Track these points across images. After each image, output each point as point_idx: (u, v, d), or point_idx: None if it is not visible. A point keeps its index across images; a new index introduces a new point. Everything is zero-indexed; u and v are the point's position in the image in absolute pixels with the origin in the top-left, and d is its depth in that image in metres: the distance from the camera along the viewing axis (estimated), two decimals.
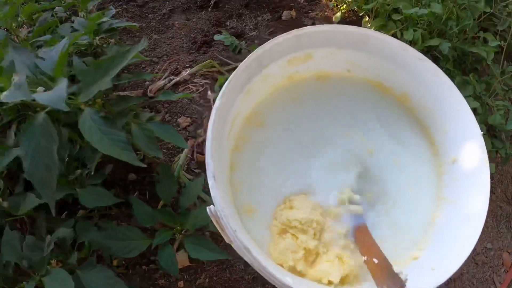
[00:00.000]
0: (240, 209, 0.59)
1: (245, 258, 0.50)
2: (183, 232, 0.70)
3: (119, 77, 0.72)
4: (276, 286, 0.51)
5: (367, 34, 0.66)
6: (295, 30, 0.63)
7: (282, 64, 0.65)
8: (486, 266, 0.89)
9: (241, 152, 0.65)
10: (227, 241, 0.55)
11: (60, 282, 0.56)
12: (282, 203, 0.61)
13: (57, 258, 0.66)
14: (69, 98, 0.61)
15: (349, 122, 0.69)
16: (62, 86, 0.53)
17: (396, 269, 0.52)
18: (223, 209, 0.50)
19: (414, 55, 0.67)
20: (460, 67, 0.95)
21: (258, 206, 0.60)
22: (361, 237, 0.59)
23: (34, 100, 0.55)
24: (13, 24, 0.86)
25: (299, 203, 0.58)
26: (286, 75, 0.68)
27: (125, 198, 0.84)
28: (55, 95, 0.52)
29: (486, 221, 0.90)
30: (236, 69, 0.58)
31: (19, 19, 0.90)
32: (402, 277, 0.51)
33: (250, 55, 0.59)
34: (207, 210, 0.53)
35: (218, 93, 0.65)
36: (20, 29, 0.94)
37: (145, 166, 0.55)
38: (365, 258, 0.55)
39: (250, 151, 0.65)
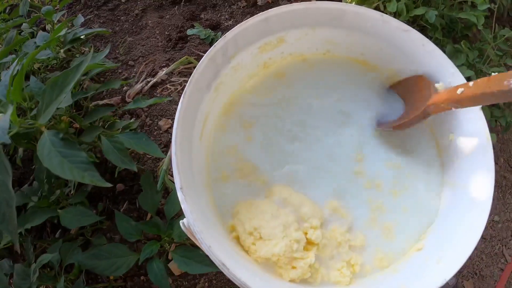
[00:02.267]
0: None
1: (225, 273, 0.43)
2: (173, 241, 0.63)
3: (84, 89, 0.64)
4: None
5: (342, 8, 0.57)
6: (261, 13, 0.54)
7: (252, 51, 0.56)
8: (495, 240, 0.80)
9: (219, 152, 0.57)
10: (206, 252, 0.48)
11: None
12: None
13: (46, 283, 0.61)
14: (30, 123, 0.54)
15: (337, 106, 0.61)
16: (6, 116, 0.46)
17: None
18: (195, 224, 0.42)
19: (397, 26, 0.58)
20: (449, 36, 0.84)
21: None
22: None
23: None
24: None
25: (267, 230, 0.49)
26: (260, 64, 0.60)
27: (115, 209, 0.78)
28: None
29: None
30: (197, 65, 0.50)
31: None
32: None
33: (212, 46, 0.51)
34: (180, 224, 0.46)
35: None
36: None
37: (111, 185, 0.48)
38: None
39: (230, 149, 0.57)
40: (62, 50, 0.67)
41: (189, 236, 0.46)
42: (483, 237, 0.80)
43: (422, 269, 0.50)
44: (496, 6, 0.72)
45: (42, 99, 0.53)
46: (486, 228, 0.80)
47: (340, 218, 0.55)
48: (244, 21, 0.53)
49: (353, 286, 0.52)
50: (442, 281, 0.46)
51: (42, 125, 0.53)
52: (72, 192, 0.67)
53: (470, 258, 0.78)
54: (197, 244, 0.46)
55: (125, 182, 0.78)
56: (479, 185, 0.52)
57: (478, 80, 0.45)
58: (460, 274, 0.78)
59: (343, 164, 0.58)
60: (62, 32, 0.67)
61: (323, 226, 0.54)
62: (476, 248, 0.78)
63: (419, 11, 0.73)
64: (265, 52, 0.58)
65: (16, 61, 0.54)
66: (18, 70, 0.51)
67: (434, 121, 0.60)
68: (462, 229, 0.51)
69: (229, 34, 0.52)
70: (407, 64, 0.59)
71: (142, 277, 0.74)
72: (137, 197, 0.78)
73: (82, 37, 0.67)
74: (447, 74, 0.57)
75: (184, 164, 0.46)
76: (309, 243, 0.51)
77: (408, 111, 0.58)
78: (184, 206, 0.43)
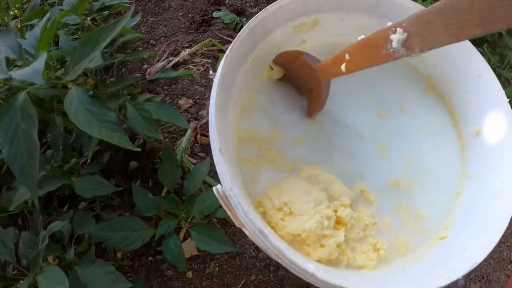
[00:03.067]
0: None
1: (259, 244, 0.41)
2: (189, 220, 0.60)
3: (113, 56, 0.62)
4: (295, 273, 0.41)
5: None
6: None
7: (288, 30, 0.55)
8: (503, 246, 0.79)
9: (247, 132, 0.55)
10: (237, 225, 0.45)
11: (54, 281, 0.47)
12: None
13: (54, 254, 0.57)
14: (57, 78, 0.51)
15: (361, 95, 0.60)
16: (40, 60, 0.44)
17: None
18: (232, 188, 0.40)
19: None
20: (471, 39, 0.85)
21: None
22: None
23: (10, 78, 0.45)
24: (5, 17, 0.77)
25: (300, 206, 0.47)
26: (293, 44, 0.58)
27: (126, 186, 0.75)
28: (31, 70, 0.43)
29: None
30: (238, 34, 0.48)
31: (11, 12, 0.81)
32: None
33: (253, 18, 0.49)
34: (214, 190, 0.44)
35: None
36: (11, 21, 0.85)
37: (140, 150, 0.46)
38: None
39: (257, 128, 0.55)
40: (88, 18, 0.65)
41: (221, 203, 0.44)
42: None
43: (448, 256, 0.49)
44: None
45: (71, 56, 0.50)
46: None
47: (366, 201, 0.54)
48: None
49: (378, 271, 0.50)
50: (473, 264, 0.45)
51: (70, 81, 0.50)
52: (88, 162, 0.64)
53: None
54: (230, 212, 0.44)
55: (139, 160, 0.75)
56: (505, 175, 0.52)
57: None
58: (468, 276, 0.77)
59: (368, 149, 0.57)
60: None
61: (351, 207, 0.52)
62: None
63: None
64: (300, 33, 0.57)
65: (48, 14, 0.51)
66: (51, 23, 0.49)
67: (458, 113, 0.59)
68: (488, 217, 0.50)
69: (270, 8, 0.51)
70: (435, 55, 0.59)
71: (150, 258, 0.71)
72: (150, 176, 0.75)
73: (109, 5, 0.65)
74: (477, 68, 0.56)
75: (221, 127, 0.44)
76: (338, 222, 0.50)
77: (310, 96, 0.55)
78: (221, 169, 0.41)
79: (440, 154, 0.58)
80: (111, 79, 0.71)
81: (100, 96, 0.47)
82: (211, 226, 0.57)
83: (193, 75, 0.75)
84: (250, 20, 0.49)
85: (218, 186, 0.43)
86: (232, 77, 0.49)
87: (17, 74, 0.44)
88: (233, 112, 0.51)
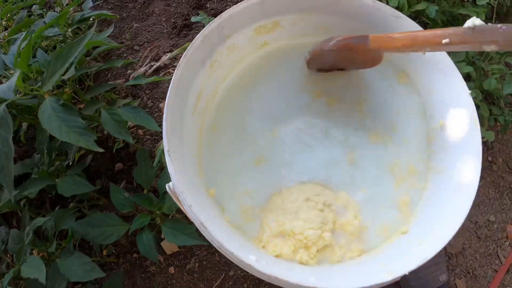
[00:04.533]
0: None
1: (204, 236, 0.46)
2: (163, 216, 0.67)
3: (89, 65, 0.69)
4: (238, 265, 0.46)
5: None
6: None
7: (248, 33, 0.60)
8: (490, 240, 0.81)
9: (215, 131, 0.60)
10: (191, 219, 0.51)
11: (34, 268, 0.54)
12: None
13: (40, 248, 0.65)
14: (35, 89, 0.59)
15: (329, 90, 0.64)
16: (13, 78, 0.51)
17: None
18: (178, 184, 0.46)
19: (390, 13, 0.61)
20: None
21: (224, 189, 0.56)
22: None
23: None
24: None
25: (308, 215, 0.54)
26: (255, 46, 0.63)
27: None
28: (6, 86, 0.51)
29: (488, 193, 0.83)
30: (193, 40, 0.54)
31: (2, 22, 0.89)
32: None
33: (208, 24, 0.55)
34: (166, 187, 0.50)
35: None
36: (2, 32, 0.94)
37: (103, 150, 0.53)
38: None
39: (221, 130, 0.60)
40: (69, 30, 0.73)
41: (174, 199, 0.50)
42: (478, 236, 0.81)
43: (404, 251, 0.52)
44: (496, 2, 0.74)
45: (47, 69, 0.58)
46: (481, 227, 0.82)
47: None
48: (240, 2, 0.57)
49: (332, 266, 0.54)
50: (422, 261, 0.47)
51: (45, 92, 0.58)
52: (72, 164, 0.71)
53: (463, 256, 0.80)
54: (181, 207, 0.50)
55: (124, 161, 0.82)
56: (467, 170, 0.54)
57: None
58: (452, 272, 0.79)
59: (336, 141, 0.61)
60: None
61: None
62: (470, 247, 0.80)
63: (420, 6, 0.76)
64: (260, 35, 0.62)
65: (25, 33, 0.59)
66: (27, 41, 0.56)
67: (425, 106, 0.62)
68: (447, 212, 0.52)
69: (225, 14, 0.56)
70: None
71: (135, 255, 0.78)
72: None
73: (90, 18, 0.72)
74: (439, 59, 0.59)
75: (173, 131, 0.50)
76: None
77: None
78: (170, 168, 0.47)
79: (409, 150, 0.62)
80: (92, 83, 0.78)
81: (69, 104, 0.54)
82: (180, 221, 0.63)
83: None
84: (205, 27, 0.55)
85: (170, 183, 0.49)
86: (189, 82, 0.54)
87: None
88: (193, 114, 0.57)
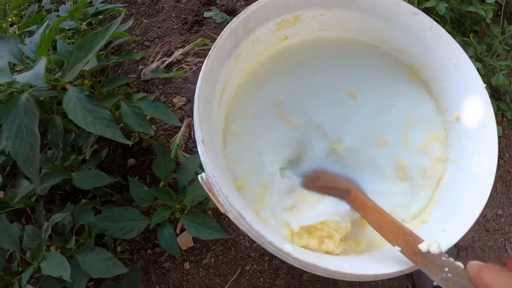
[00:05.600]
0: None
1: (241, 227, 0.47)
2: (184, 211, 0.66)
3: (107, 58, 0.68)
4: (276, 255, 0.47)
5: None
6: None
7: (271, 27, 0.61)
8: (498, 233, 0.83)
9: (233, 125, 0.61)
10: (222, 211, 0.51)
11: (56, 266, 0.53)
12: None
13: (57, 244, 0.64)
14: (55, 80, 0.58)
15: (347, 86, 0.65)
16: (40, 64, 0.50)
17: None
18: (213, 175, 0.46)
19: (407, 9, 0.62)
20: (459, 29, 0.89)
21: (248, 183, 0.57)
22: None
23: (14, 81, 0.52)
24: (3, 24, 0.83)
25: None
26: (276, 40, 0.64)
27: (125, 183, 0.81)
28: (33, 73, 0.50)
29: (496, 187, 0.85)
30: (221, 33, 0.54)
31: (8, 18, 0.87)
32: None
33: (235, 17, 0.55)
34: (199, 178, 0.50)
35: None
36: (10, 28, 0.92)
37: (130, 143, 0.52)
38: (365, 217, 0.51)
39: (243, 125, 0.61)
40: (84, 23, 0.72)
41: (206, 190, 0.50)
42: (486, 229, 0.83)
43: (428, 237, 0.54)
44: (504, 1, 0.77)
45: (68, 59, 0.57)
46: (489, 221, 0.84)
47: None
48: None
49: (364, 255, 0.55)
50: (447, 246, 0.49)
51: (67, 82, 0.57)
52: (87, 159, 0.70)
53: (473, 249, 0.82)
54: (213, 198, 0.49)
55: (136, 157, 0.82)
56: (483, 160, 0.56)
57: None
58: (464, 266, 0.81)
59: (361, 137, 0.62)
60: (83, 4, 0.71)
61: None
62: (479, 240, 0.82)
63: (429, 3, 0.78)
64: (282, 29, 0.63)
65: (47, 22, 0.58)
66: (49, 29, 0.55)
67: (439, 100, 0.64)
68: (466, 200, 0.54)
69: (251, 8, 0.56)
70: (414, 46, 0.64)
71: (149, 251, 0.77)
72: (148, 172, 0.81)
73: (103, 10, 0.72)
74: (454, 56, 0.61)
75: (205, 120, 0.50)
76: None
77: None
78: (204, 158, 0.46)
79: (426, 142, 0.63)
80: (106, 80, 0.78)
81: (95, 95, 0.54)
82: (202, 214, 0.63)
83: (186, 74, 0.81)
84: (232, 20, 0.55)
85: (203, 174, 0.49)
86: (216, 74, 0.55)
87: (21, 77, 0.50)
88: (219, 105, 0.57)
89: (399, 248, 0.45)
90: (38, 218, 0.66)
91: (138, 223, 0.62)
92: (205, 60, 0.52)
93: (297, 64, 0.65)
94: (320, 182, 0.58)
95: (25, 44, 0.65)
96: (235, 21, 0.55)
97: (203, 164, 0.47)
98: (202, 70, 0.51)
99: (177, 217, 0.66)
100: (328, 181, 0.58)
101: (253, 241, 0.77)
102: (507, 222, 0.84)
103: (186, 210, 0.66)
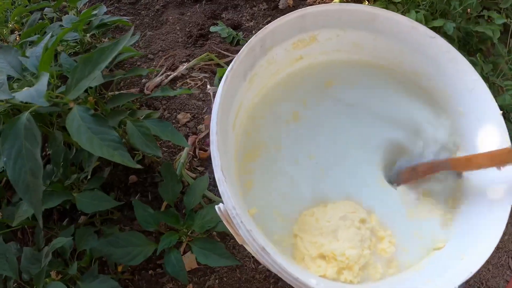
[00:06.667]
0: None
1: (262, 260, 0.42)
2: (189, 234, 0.61)
3: (112, 73, 0.63)
4: (296, 287, 0.42)
5: (375, 12, 0.58)
6: (299, 9, 0.54)
7: (287, 47, 0.57)
8: (501, 251, 0.81)
9: (247, 149, 0.56)
10: (239, 242, 0.46)
11: None
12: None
13: (57, 269, 0.58)
14: (57, 96, 0.52)
15: (360, 110, 0.61)
16: (42, 81, 0.45)
17: None
18: (234, 207, 0.41)
19: (424, 32, 0.59)
20: (465, 48, 0.87)
21: (261, 210, 0.52)
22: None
23: (13, 99, 0.46)
24: (3, 30, 0.77)
25: (346, 234, 0.51)
26: (291, 60, 0.60)
27: (126, 200, 0.76)
28: (34, 91, 0.44)
29: None
30: (239, 52, 0.50)
31: (9, 25, 0.81)
32: None
33: (253, 37, 0.51)
34: (216, 209, 0.45)
35: (218, 86, 0.56)
36: (10, 35, 0.86)
37: (142, 167, 0.47)
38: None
39: (258, 149, 0.56)
40: (88, 35, 0.66)
41: (223, 221, 0.45)
42: None
43: (446, 266, 0.51)
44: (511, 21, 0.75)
45: (72, 75, 0.51)
46: None
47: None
48: (282, 16, 0.54)
49: (381, 282, 0.52)
50: (468, 275, 0.46)
51: (71, 100, 0.51)
52: (88, 177, 0.64)
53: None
54: (232, 229, 0.45)
55: (138, 174, 0.76)
56: (498, 186, 0.53)
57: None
58: (467, 283, 0.78)
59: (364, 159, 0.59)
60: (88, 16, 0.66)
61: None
62: None
63: (437, 22, 0.75)
64: (297, 49, 0.59)
65: (50, 33, 0.52)
66: (51, 42, 0.50)
67: (455, 126, 0.61)
68: (484, 227, 0.51)
69: (269, 27, 0.53)
70: (429, 69, 0.61)
71: (150, 271, 0.71)
72: (149, 190, 0.76)
73: (108, 23, 0.66)
74: (470, 80, 0.58)
75: (222, 147, 0.45)
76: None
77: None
78: (223, 188, 0.42)
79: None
80: (110, 94, 0.72)
81: (101, 114, 0.48)
82: (211, 240, 0.58)
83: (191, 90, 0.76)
84: (249, 40, 0.51)
85: (220, 204, 0.44)
86: (232, 96, 0.50)
87: (21, 95, 0.45)
88: (233, 128, 0.53)
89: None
90: (37, 240, 0.60)
91: (144, 249, 0.56)
92: (222, 83, 0.47)
93: (312, 87, 0.61)
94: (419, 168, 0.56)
95: (26, 56, 0.59)
96: (253, 40, 0.51)
97: (221, 194, 0.43)
98: (218, 94, 0.47)
99: (182, 240, 0.61)
100: (424, 166, 0.56)
101: (258, 263, 0.72)
102: (510, 240, 0.82)
103: (191, 232, 0.61)
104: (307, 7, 0.55)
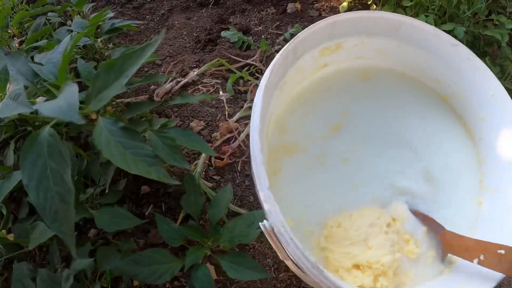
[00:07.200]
0: None
1: (313, 276, 0.39)
2: (214, 247, 0.58)
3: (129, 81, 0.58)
4: None
5: (400, 20, 0.57)
6: (329, 17, 0.52)
7: (314, 54, 0.55)
8: None
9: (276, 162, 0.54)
10: (281, 258, 0.44)
11: None
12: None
13: None
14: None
15: (382, 115, 0.60)
16: (71, 92, 0.40)
17: None
18: (284, 225, 0.38)
19: (447, 40, 0.58)
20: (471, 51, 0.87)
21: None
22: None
23: (35, 112, 0.41)
24: (3, 35, 0.71)
25: (377, 241, 0.49)
26: (316, 68, 0.58)
27: (139, 212, 0.71)
28: (64, 104, 0.39)
29: None
30: (273, 62, 0.47)
31: (9, 30, 0.74)
32: None
33: (286, 45, 0.48)
34: (261, 226, 0.42)
35: (230, 92, 0.53)
36: (12, 41, 0.79)
37: (179, 183, 0.43)
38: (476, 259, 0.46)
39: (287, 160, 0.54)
40: (99, 40, 0.61)
41: (268, 238, 0.42)
42: None
43: (477, 269, 0.50)
44: None
45: (93, 84, 0.46)
46: None
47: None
48: (313, 24, 0.51)
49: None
50: (501, 277, 0.44)
51: (93, 112, 0.46)
52: (105, 191, 0.60)
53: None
54: (276, 246, 0.42)
55: (150, 184, 0.72)
56: None
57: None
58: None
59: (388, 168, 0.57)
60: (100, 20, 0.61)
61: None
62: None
63: (447, 27, 0.75)
64: (324, 56, 0.57)
65: (69, 37, 0.48)
66: (69, 46, 0.45)
67: (473, 130, 0.61)
68: (507, 228, 0.51)
69: (301, 35, 0.50)
70: (450, 76, 0.60)
71: (167, 285, 0.67)
72: (163, 200, 0.72)
73: (120, 27, 0.62)
74: (491, 87, 0.58)
75: (264, 164, 0.42)
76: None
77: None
78: (270, 206, 0.39)
79: (459, 169, 0.59)
80: (120, 102, 0.67)
81: (130, 127, 0.44)
82: (239, 254, 0.55)
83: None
84: (282, 49, 0.48)
85: (265, 222, 0.41)
86: (267, 106, 0.47)
87: (46, 109, 0.40)
88: (266, 138, 0.50)
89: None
90: (52, 260, 0.55)
91: (170, 266, 0.52)
92: (258, 94, 0.45)
93: (335, 94, 0.59)
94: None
95: (34, 62, 0.54)
96: (286, 49, 0.48)
97: (267, 212, 0.40)
98: (257, 107, 0.44)
99: (208, 254, 0.58)
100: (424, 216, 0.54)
101: (278, 272, 0.70)
102: None
103: (217, 246, 0.58)
104: (337, 15, 0.53)
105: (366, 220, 0.53)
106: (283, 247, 0.41)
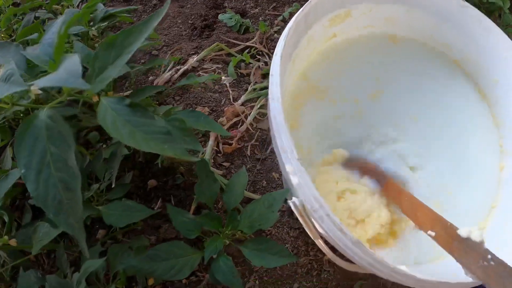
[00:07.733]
0: None
1: (351, 254, 0.35)
2: (231, 236, 0.53)
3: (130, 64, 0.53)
4: (391, 278, 0.36)
5: None
6: None
7: (324, 23, 0.51)
8: None
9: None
10: (313, 237, 0.39)
11: None
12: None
13: None
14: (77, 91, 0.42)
15: (394, 85, 0.56)
16: (72, 61, 0.34)
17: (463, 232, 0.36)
18: (317, 200, 0.34)
19: (456, 2, 0.55)
20: None
21: None
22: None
23: (30, 88, 0.35)
24: None
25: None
26: (325, 38, 0.54)
27: (148, 207, 0.66)
28: (65, 72, 0.33)
29: None
30: (285, 30, 0.43)
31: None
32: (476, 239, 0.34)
33: (298, 12, 0.44)
34: (290, 204, 0.37)
35: (233, 76, 0.49)
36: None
37: (198, 159, 0.38)
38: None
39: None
40: (94, 28, 0.56)
41: (298, 216, 0.38)
42: None
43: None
44: None
45: (92, 64, 0.41)
46: None
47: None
48: None
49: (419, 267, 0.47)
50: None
51: (94, 94, 0.41)
52: (112, 186, 0.54)
53: None
54: (306, 224, 0.37)
55: (158, 177, 0.66)
56: None
57: None
58: None
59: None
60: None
61: None
62: None
63: None
64: (333, 25, 0.53)
65: (62, 18, 0.42)
66: (64, 26, 0.40)
67: (488, 94, 0.57)
68: None
69: (312, 2, 0.46)
70: (461, 40, 0.57)
71: (184, 280, 0.62)
72: (172, 193, 0.66)
73: (115, 14, 0.56)
74: (504, 48, 0.54)
75: (288, 135, 0.38)
76: None
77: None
78: (302, 180, 0.35)
79: (478, 133, 0.56)
80: (128, 90, 0.62)
81: (137, 103, 0.38)
82: (265, 239, 0.50)
83: (205, 82, 0.68)
84: (295, 16, 0.44)
85: (295, 199, 0.37)
86: (281, 79, 0.43)
87: (44, 81, 0.34)
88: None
89: (433, 233, 0.38)
90: (60, 264, 0.50)
91: (189, 259, 0.47)
92: (274, 64, 0.40)
93: (345, 61, 0.55)
94: (360, 163, 0.52)
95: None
96: (300, 15, 0.44)
97: (298, 187, 0.35)
98: (275, 77, 0.39)
99: (227, 243, 0.53)
100: (369, 164, 0.52)
101: (298, 256, 0.65)
102: None
103: (234, 235, 0.53)
104: None
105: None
106: (313, 226, 0.36)
